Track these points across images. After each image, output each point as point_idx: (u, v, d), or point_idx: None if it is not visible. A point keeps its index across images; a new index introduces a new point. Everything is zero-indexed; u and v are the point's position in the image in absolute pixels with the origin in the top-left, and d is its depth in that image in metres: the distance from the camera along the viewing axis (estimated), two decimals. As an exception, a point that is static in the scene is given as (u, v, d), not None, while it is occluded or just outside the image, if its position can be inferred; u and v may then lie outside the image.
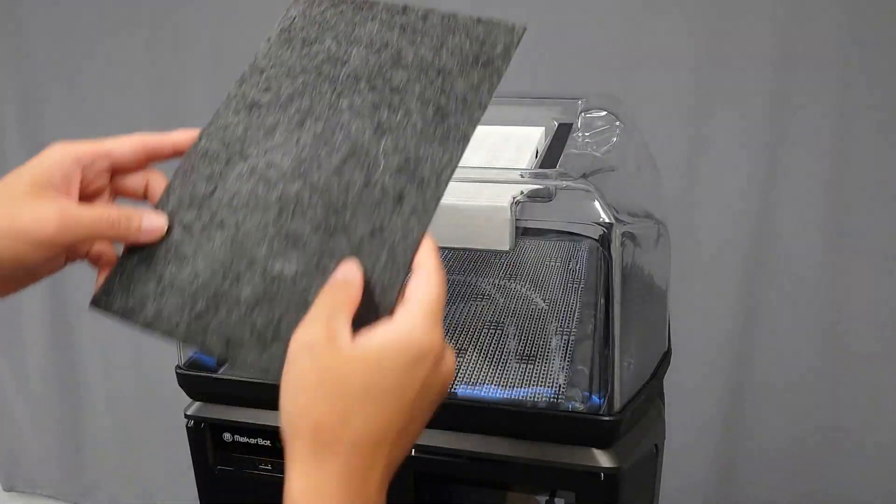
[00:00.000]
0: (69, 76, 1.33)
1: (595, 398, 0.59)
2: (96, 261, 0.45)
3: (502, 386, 0.62)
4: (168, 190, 0.45)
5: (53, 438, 1.66)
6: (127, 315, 0.43)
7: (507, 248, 0.54)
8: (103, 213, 0.42)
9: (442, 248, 0.61)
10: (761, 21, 1.03)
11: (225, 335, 0.41)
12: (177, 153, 0.46)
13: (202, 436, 0.64)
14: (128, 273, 0.44)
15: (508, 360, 0.65)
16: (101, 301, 0.44)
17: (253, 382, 0.63)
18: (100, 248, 0.45)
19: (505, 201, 0.52)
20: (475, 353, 0.66)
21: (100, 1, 1.28)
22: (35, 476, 1.72)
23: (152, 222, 0.43)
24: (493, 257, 0.84)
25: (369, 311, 0.39)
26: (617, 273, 0.54)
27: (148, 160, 0.46)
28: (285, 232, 0.42)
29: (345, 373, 0.36)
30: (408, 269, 0.40)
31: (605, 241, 0.54)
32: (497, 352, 0.66)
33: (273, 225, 0.43)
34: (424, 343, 0.37)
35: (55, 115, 1.36)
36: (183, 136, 0.46)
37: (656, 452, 0.63)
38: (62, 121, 1.35)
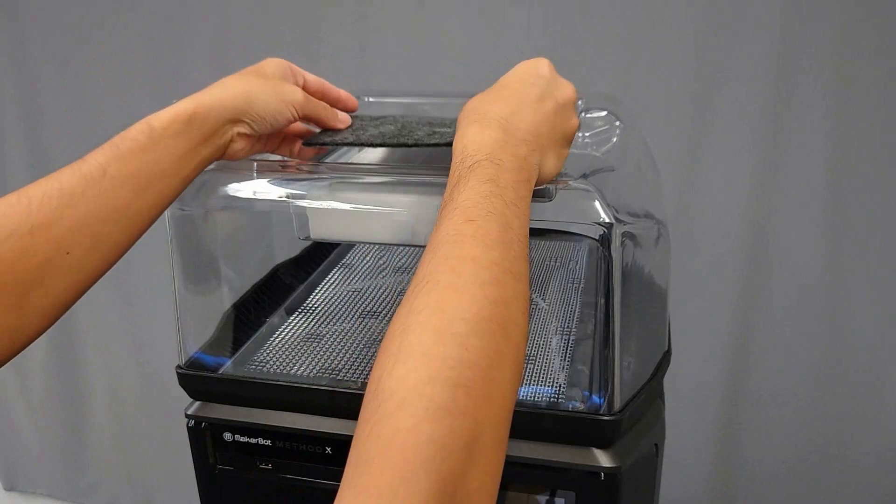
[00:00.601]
0: (66, 63, 1.32)
1: (595, 398, 0.59)
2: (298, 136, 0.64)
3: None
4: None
5: (53, 438, 1.66)
6: (331, 143, 0.62)
7: (507, 248, 0.54)
8: (320, 102, 0.61)
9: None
10: (761, 22, 1.03)
11: (412, 139, 0.59)
12: (338, 103, 0.64)
13: (202, 436, 0.64)
14: (329, 132, 0.62)
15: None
16: (311, 141, 0.62)
17: (253, 382, 0.63)
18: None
19: (505, 201, 0.52)
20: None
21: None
22: (35, 476, 1.72)
23: (345, 116, 0.63)
24: (493, 257, 0.84)
25: None
26: (617, 273, 0.54)
27: (321, 95, 0.62)
28: (433, 122, 0.64)
29: (485, 94, 0.52)
30: None
31: (605, 241, 0.54)
32: (497, 352, 0.66)
33: (425, 122, 0.64)
34: (533, 58, 0.54)
35: (53, 105, 1.35)
36: (346, 95, 0.65)
37: (656, 452, 0.63)
38: (60, 109, 1.35)
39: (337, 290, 0.80)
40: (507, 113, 0.48)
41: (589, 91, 0.85)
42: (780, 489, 1.29)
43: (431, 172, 0.59)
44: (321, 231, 0.59)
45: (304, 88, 0.61)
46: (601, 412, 0.56)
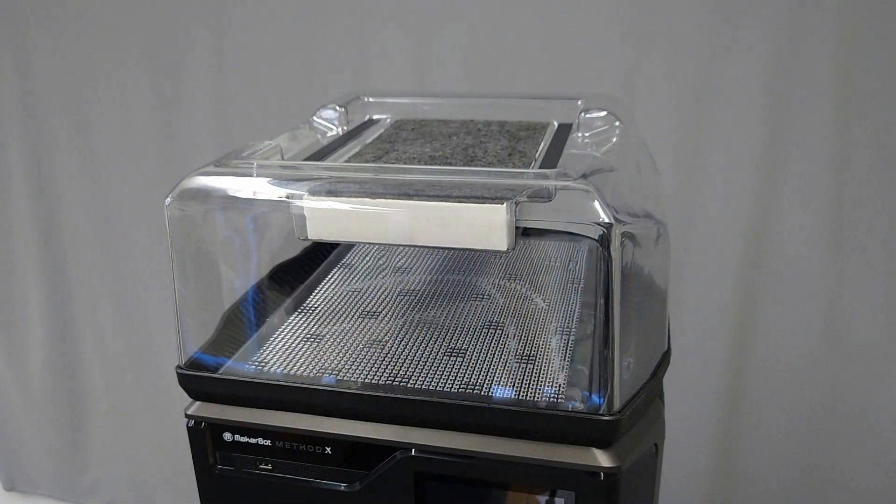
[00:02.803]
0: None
1: (595, 398, 0.59)
2: None
3: (502, 386, 0.62)
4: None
5: (53, 438, 1.66)
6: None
7: (505, 248, 0.54)
8: None
9: (440, 249, 0.61)
10: (762, 21, 1.03)
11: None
12: None
13: (202, 436, 0.64)
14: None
15: (508, 360, 0.65)
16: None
17: (253, 382, 0.63)
18: None
19: (504, 201, 0.52)
20: (475, 353, 0.66)
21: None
22: (35, 476, 1.72)
23: None
24: (493, 257, 0.84)
25: None
26: (617, 273, 0.54)
27: None
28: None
29: None
30: None
31: (604, 241, 0.53)
32: (497, 352, 0.66)
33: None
34: None
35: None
36: None
37: (656, 452, 0.63)
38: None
39: (337, 290, 0.80)
40: None
41: (589, 91, 0.86)
42: (780, 489, 1.29)
43: (432, 171, 0.59)
44: (320, 231, 0.59)
45: None
46: (601, 412, 0.56)
